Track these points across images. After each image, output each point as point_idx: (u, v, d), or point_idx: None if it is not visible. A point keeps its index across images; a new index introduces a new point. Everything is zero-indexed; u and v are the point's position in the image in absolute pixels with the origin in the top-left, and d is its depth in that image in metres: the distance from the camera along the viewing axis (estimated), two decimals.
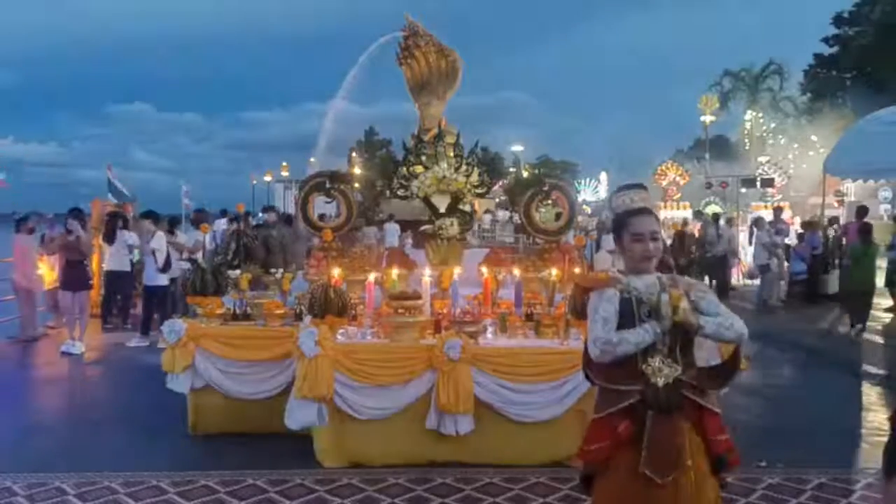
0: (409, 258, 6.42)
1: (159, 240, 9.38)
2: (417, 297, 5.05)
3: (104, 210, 12.01)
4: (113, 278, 10.60)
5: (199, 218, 11.97)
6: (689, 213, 20.75)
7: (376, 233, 13.13)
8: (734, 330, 2.47)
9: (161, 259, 9.31)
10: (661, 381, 2.43)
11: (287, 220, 12.01)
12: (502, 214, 21.05)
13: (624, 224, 2.59)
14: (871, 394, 7.01)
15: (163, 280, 9.49)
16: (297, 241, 10.23)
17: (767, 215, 15.08)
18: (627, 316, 2.48)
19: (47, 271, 10.22)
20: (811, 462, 4.83)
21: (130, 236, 10.29)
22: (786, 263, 13.36)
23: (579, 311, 4.67)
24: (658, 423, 2.40)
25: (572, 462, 2.58)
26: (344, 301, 4.86)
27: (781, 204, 20.19)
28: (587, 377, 2.66)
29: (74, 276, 8.91)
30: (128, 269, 10.54)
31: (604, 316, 2.47)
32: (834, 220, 16.08)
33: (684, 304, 2.41)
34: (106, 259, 10.77)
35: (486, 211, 17.74)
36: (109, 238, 10.35)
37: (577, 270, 5.78)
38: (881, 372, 7.83)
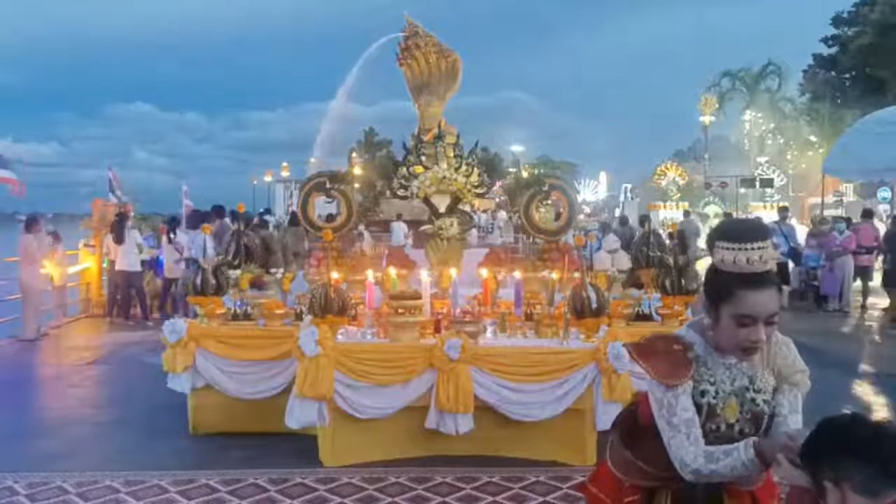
0: (409, 258, 6.43)
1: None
2: (417, 297, 5.06)
3: (105, 210, 12.03)
4: (125, 277, 10.86)
5: (198, 217, 11.89)
6: (679, 214, 20.76)
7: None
8: None
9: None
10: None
11: (292, 220, 12.06)
12: (501, 215, 21.04)
13: (729, 292, 1.83)
14: (871, 393, 7.03)
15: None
16: (300, 242, 10.24)
17: (766, 216, 15.05)
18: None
19: (55, 270, 10.30)
20: None
21: (138, 236, 10.78)
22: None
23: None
24: None
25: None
26: (344, 301, 4.88)
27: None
28: (614, 442, 2.15)
29: None
30: (138, 268, 10.95)
31: (686, 420, 1.86)
32: (840, 220, 16.04)
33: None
34: (118, 259, 10.88)
35: (484, 210, 17.73)
36: (119, 238, 10.66)
37: (576, 274, 5.78)
38: (882, 371, 7.85)
